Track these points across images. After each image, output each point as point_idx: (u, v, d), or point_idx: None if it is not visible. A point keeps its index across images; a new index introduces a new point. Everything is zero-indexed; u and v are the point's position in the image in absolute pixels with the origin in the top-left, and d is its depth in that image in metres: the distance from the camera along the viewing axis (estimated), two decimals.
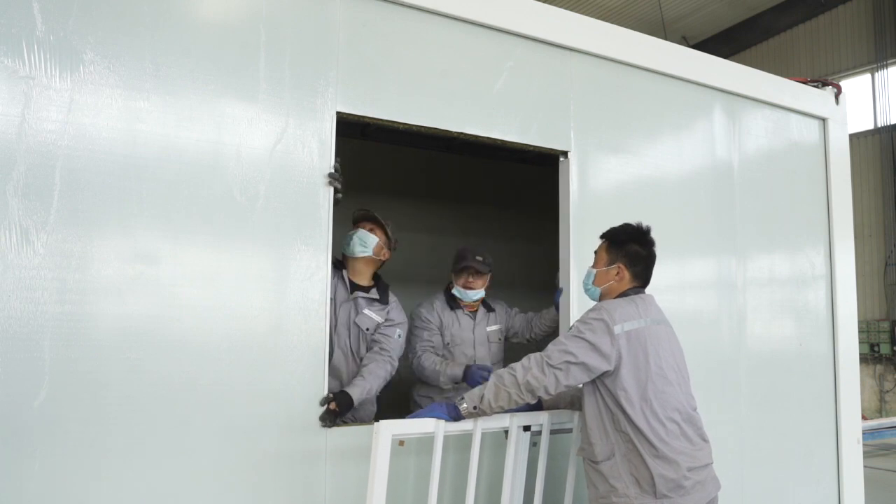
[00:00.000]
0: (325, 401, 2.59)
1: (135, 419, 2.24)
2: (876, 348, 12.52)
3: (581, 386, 2.57)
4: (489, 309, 3.81)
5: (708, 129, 3.81)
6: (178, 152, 2.37)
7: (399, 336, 3.26)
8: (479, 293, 3.65)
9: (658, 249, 2.68)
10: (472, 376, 3.39)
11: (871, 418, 9.96)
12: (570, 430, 2.84)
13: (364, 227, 3.26)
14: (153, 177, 2.32)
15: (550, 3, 3.42)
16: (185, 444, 2.32)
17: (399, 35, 2.86)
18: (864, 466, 4.30)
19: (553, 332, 3.69)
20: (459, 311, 3.69)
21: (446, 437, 2.50)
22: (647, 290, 2.69)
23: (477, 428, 2.51)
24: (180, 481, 2.31)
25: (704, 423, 2.60)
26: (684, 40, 13.89)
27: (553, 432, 2.75)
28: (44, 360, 2.12)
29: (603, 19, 3.78)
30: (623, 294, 2.63)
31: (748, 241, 3.88)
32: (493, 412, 2.47)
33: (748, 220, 3.89)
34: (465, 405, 2.45)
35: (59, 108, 2.18)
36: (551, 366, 2.40)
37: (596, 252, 2.74)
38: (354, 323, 3.19)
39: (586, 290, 2.74)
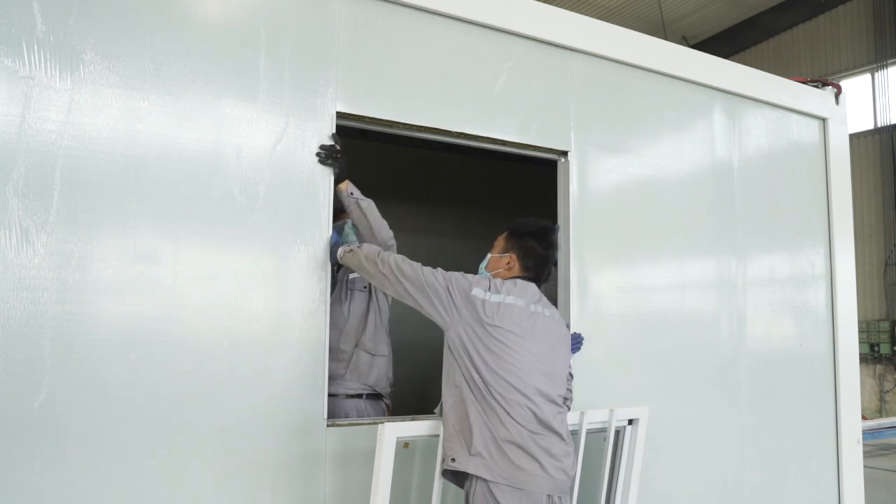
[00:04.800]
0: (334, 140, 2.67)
1: (134, 419, 2.24)
2: (876, 348, 12.52)
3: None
4: None
5: (708, 129, 3.81)
6: (178, 152, 2.37)
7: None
8: None
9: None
10: None
11: (871, 418, 9.97)
12: (602, 430, 2.80)
13: None
14: (153, 177, 2.32)
15: (550, 3, 3.42)
16: (185, 444, 2.32)
17: (399, 35, 2.86)
18: (864, 466, 4.29)
19: None
20: None
21: None
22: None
23: None
24: (180, 481, 2.30)
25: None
26: (684, 40, 13.89)
27: (590, 431, 2.75)
28: (44, 360, 2.11)
29: (603, 19, 3.77)
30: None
31: (748, 241, 3.87)
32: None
33: (748, 220, 3.88)
34: (339, 252, 2.64)
35: (59, 108, 2.18)
36: (399, 264, 2.45)
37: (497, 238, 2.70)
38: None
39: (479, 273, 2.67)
